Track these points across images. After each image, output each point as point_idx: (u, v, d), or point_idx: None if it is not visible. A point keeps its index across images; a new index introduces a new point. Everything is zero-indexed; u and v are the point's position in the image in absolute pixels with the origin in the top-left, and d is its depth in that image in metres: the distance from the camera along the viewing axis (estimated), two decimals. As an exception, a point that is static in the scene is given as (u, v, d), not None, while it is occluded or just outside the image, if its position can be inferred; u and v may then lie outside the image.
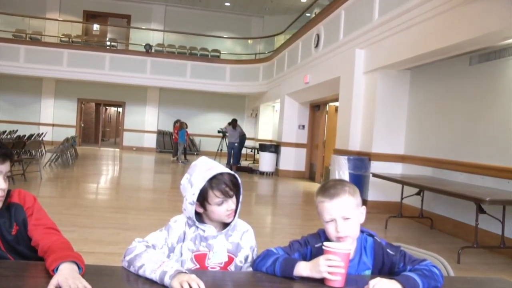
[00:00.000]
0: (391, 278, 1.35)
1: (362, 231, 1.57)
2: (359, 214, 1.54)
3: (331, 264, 1.36)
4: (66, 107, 18.26)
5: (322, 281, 1.38)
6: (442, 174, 6.02)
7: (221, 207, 1.60)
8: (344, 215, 1.49)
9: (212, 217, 1.63)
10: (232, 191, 1.61)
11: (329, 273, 1.36)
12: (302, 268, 1.41)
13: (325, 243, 1.42)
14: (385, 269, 1.54)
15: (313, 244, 1.58)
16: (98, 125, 21.93)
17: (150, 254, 1.45)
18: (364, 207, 1.57)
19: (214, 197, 1.58)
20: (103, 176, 10.35)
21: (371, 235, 1.60)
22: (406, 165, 7.00)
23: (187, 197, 1.60)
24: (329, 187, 1.53)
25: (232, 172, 1.63)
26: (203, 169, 1.61)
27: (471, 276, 2.16)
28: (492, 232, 4.97)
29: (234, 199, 1.63)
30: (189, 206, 1.60)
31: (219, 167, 1.62)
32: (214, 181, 1.58)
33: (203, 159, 1.67)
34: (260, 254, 1.55)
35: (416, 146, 6.84)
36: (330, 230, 1.51)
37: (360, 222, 1.54)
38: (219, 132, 14.30)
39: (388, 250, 1.55)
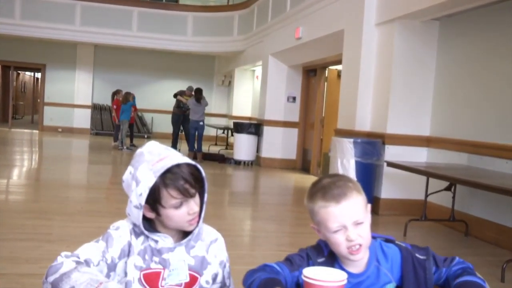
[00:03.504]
0: None
1: (373, 237, 1.63)
2: (368, 215, 1.59)
3: None
4: (-39, 72, 17.95)
5: None
6: (482, 163, 6.12)
7: (180, 211, 1.61)
8: (357, 220, 1.54)
9: (168, 224, 1.64)
10: (194, 188, 1.62)
11: None
12: None
13: (305, 272, 1.41)
14: (420, 280, 1.60)
15: (315, 259, 1.63)
16: (6, 96, 21.54)
17: (82, 273, 1.44)
18: (369, 205, 1.62)
19: (170, 197, 1.58)
20: (16, 168, 10.20)
21: (390, 241, 1.67)
22: (432, 151, 7.10)
23: (132, 199, 1.60)
24: (329, 186, 1.56)
25: (193, 163, 1.64)
26: (153, 159, 1.60)
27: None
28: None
29: (197, 198, 1.64)
30: (135, 210, 1.60)
31: (175, 156, 1.62)
32: (168, 176, 1.58)
33: (151, 145, 1.67)
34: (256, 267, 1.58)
35: (447, 124, 6.93)
36: (340, 240, 1.54)
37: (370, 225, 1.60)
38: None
39: (417, 255, 1.63)
